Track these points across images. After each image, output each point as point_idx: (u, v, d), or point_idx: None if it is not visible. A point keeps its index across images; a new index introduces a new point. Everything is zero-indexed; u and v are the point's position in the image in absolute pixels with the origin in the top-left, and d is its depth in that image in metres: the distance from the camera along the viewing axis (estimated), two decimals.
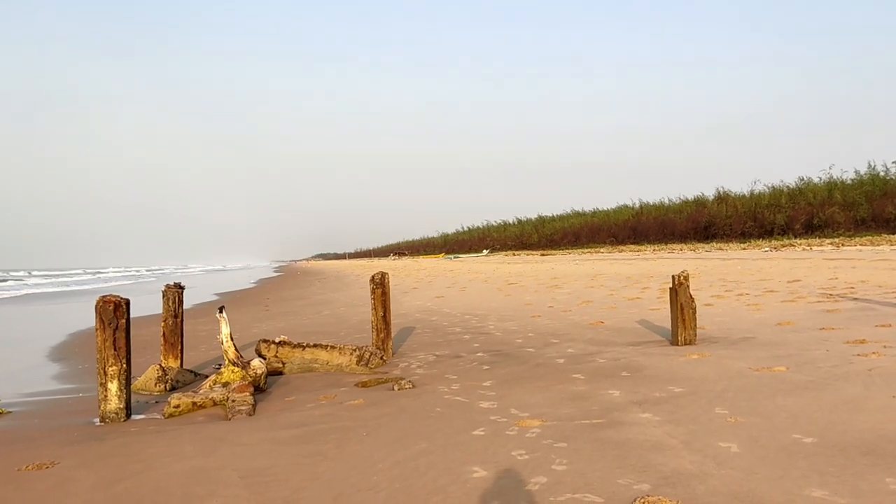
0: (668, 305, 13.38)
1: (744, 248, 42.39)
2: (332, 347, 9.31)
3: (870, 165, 62.53)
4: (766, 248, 39.38)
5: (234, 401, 7.29)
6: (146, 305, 19.51)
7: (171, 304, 9.69)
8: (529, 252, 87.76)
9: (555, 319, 13.07)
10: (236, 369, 8.13)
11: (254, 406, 7.25)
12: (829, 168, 70.24)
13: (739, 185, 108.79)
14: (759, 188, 72.90)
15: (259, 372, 8.20)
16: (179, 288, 9.87)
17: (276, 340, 9.48)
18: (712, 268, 22.52)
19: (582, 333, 10.91)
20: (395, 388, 7.62)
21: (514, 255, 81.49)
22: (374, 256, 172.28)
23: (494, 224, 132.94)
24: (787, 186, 69.34)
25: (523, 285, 22.19)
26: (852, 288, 14.06)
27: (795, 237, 53.87)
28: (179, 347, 9.67)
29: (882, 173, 59.85)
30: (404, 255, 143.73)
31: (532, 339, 10.62)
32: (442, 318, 14.73)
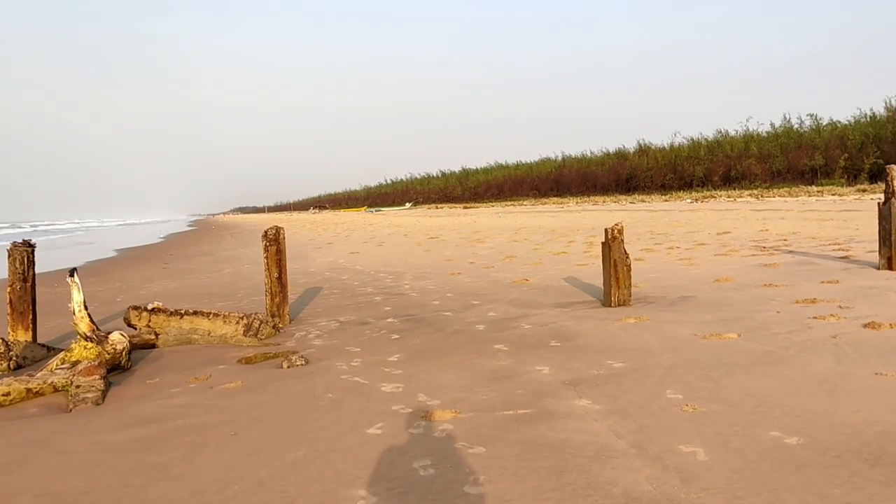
0: (596, 261, 12.51)
1: (666, 200, 42.43)
2: (216, 315, 7.93)
3: (785, 118, 63.83)
4: (689, 200, 39.43)
5: (78, 386, 5.88)
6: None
7: (18, 265, 8.09)
8: (453, 205, 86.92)
9: (476, 277, 11.97)
10: (90, 345, 6.68)
11: (104, 392, 5.87)
12: (746, 121, 71.39)
13: (660, 138, 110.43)
14: (678, 140, 73.73)
15: (119, 348, 6.78)
16: (29, 246, 8.26)
17: (149, 307, 8.03)
18: (639, 220, 21.89)
19: (505, 293, 9.83)
20: (285, 364, 6.36)
21: (437, 208, 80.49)
22: (294, 210, 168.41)
23: (418, 177, 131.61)
24: (706, 139, 70.34)
25: (444, 240, 21.06)
26: (785, 240, 13.47)
27: (715, 189, 54.56)
28: (31, 317, 8.11)
29: (796, 126, 61.12)
30: (325, 208, 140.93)
31: (450, 301, 9.49)
32: (354, 276, 13.45)
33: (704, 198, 39.88)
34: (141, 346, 7.79)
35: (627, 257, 8.29)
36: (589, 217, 26.69)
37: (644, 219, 22.04)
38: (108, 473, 3.86)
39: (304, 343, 7.40)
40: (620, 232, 8.29)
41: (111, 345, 6.76)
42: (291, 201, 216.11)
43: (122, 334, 6.93)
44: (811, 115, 60.25)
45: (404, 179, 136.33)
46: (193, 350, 7.47)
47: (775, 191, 41.03)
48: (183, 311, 8.02)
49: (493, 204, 78.24)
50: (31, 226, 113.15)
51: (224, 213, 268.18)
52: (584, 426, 4.01)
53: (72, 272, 7.12)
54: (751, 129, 66.24)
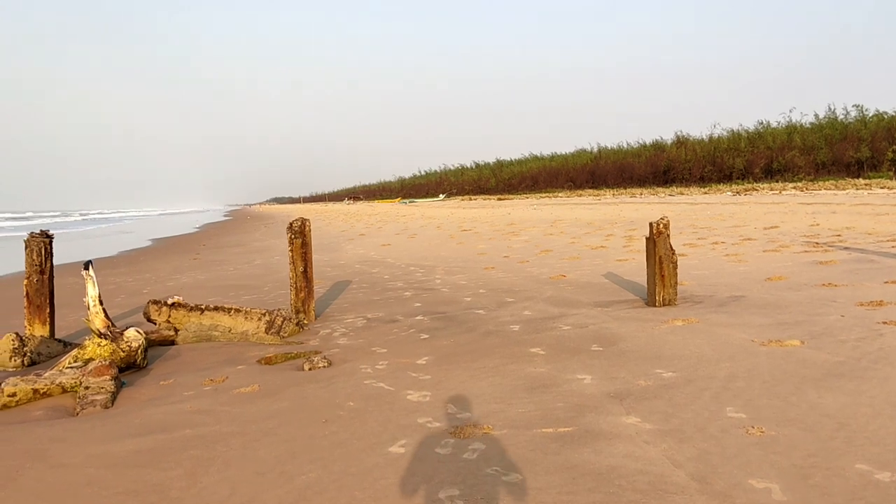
0: (637, 256, 11.95)
1: (706, 193, 41.35)
2: (237, 311, 7.56)
3: (829, 109, 61.94)
4: (729, 193, 38.35)
5: (87, 388, 5.54)
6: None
7: (35, 257, 7.80)
8: (486, 196, 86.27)
9: (510, 272, 11.48)
10: (104, 342, 6.35)
11: (114, 395, 5.52)
12: (789, 112, 69.54)
13: (698, 130, 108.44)
14: (717, 132, 72.15)
15: (135, 346, 6.44)
16: (46, 237, 7.96)
17: (169, 301, 7.69)
18: (680, 213, 21.15)
19: (541, 290, 9.33)
20: (306, 366, 5.96)
21: (470, 199, 79.95)
22: (329, 201, 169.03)
23: (452, 168, 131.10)
24: (746, 130, 68.69)
25: (477, 232, 20.57)
26: (839, 235, 12.73)
27: (756, 181, 53.15)
28: (48, 310, 7.81)
29: (842, 117, 59.29)
30: (360, 199, 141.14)
31: (483, 298, 9.02)
32: (384, 270, 13.04)
33: (746, 190, 38.74)
34: (159, 343, 7.46)
35: (673, 253, 7.74)
36: (627, 210, 25.96)
37: (685, 212, 21.28)
38: (99, 495, 3.47)
39: (328, 342, 7.00)
40: (666, 226, 7.73)
41: (126, 342, 6.42)
42: (327, 192, 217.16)
43: (137, 331, 6.59)
44: (857, 106, 58.41)
45: (438, 171, 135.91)
46: (213, 348, 7.11)
47: (820, 183, 39.71)
48: (203, 307, 7.66)
49: (528, 196, 77.42)
50: (81, 214, 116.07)
51: (260, 204, 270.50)
52: (635, 451, 3.52)
53: (86, 265, 6.79)
54: (793, 121, 64.51)
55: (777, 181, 50.52)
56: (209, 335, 7.50)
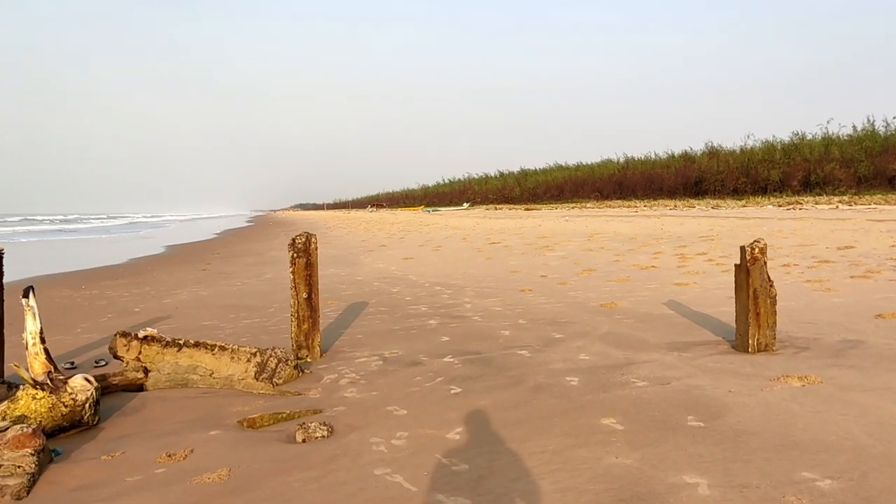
0: (697, 279, 10.31)
1: (744, 206, 39.45)
2: (222, 349, 6.06)
3: (868, 120, 59.60)
4: (770, 206, 36.43)
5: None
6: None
7: None
8: (512, 206, 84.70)
9: (551, 296, 9.89)
10: (41, 394, 4.87)
11: (34, 476, 4.03)
12: (827, 123, 67.00)
13: (729, 141, 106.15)
14: (750, 143, 69.94)
15: (81, 399, 4.95)
16: None
17: (141, 335, 6.20)
18: (732, 228, 19.41)
19: (594, 322, 7.74)
20: (299, 436, 4.44)
21: (495, 208, 78.39)
22: (352, 208, 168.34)
23: (476, 177, 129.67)
24: (781, 142, 66.32)
25: (507, 245, 18.98)
26: None
27: (794, 194, 51.04)
28: None
29: (882, 130, 56.91)
30: (383, 206, 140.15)
31: (524, 331, 7.45)
32: (406, 289, 11.51)
33: (790, 203, 36.80)
34: (124, 388, 5.99)
35: (772, 286, 6.12)
36: (669, 223, 24.23)
37: (738, 227, 19.52)
38: None
39: (332, 393, 5.47)
40: (763, 251, 6.12)
41: (70, 394, 4.93)
42: (350, 199, 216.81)
43: (87, 379, 5.10)
44: None
45: (462, 179, 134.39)
46: (187, 398, 5.61)
47: (868, 197, 37.62)
48: (182, 342, 6.16)
49: (556, 206, 75.65)
50: (122, 217, 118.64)
51: (284, 210, 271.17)
52: None
53: (26, 292, 5.33)
54: (830, 132, 62.10)
55: (818, 194, 48.34)
56: (186, 379, 6.00)
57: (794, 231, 16.68)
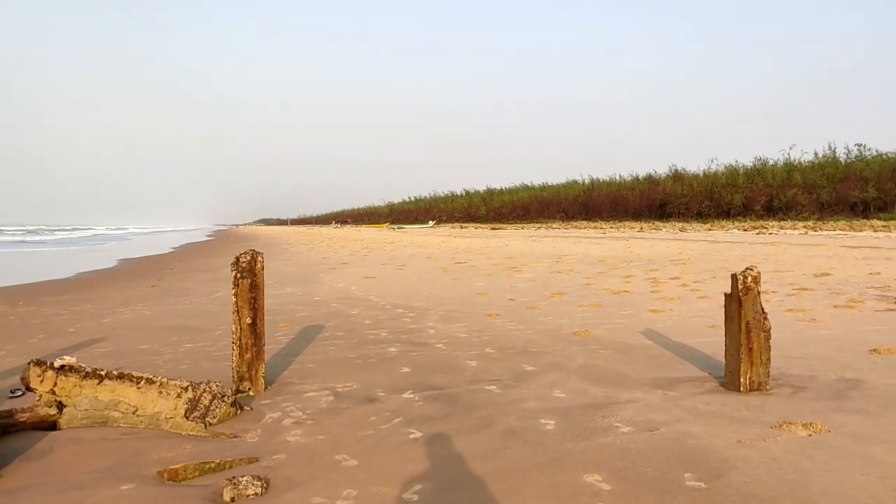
0: (673, 306, 9.73)
1: (709, 229, 39.48)
2: (149, 382, 5.29)
3: (829, 147, 60.59)
4: (736, 230, 36.46)
5: None
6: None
7: None
8: (477, 225, 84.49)
9: (520, 322, 9.27)
10: None
11: None
12: (789, 149, 68.02)
13: (692, 164, 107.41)
14: (714, 167, 70.78)
15: None
16: None
17: (57, 364, 5.41)
18: (703, 252, 19.04)
19: (568, 353, 7.13)
20: (227, 492, 3.73)
21: (461, 227, 78.03)
22: (317, 224, 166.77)
23: (442, 195, 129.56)
24: (744, 167, 67.25)
25: (474, 265, 18.37)
26: None
27: (758, 219, 51.43)
28: None
29: (843, 157, 57.85)
30: (347, 223, 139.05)
31: (492, 362, 6.80)
32: (366, 311, 10.80)
33: (755, 228, 36.87)
34: (34, 426, 5.19)
35: (766, 318, 5.57)
36: (638, 246, 23.85)
37: (709, 251, 19.17)
38: None
39: (274, 436, 4.76)
40: (756, 280, 5.56)
41: None
42: (315, 215, 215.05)
43: None
44: (859, 146, 56.99)
45: (427, 197, 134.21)
46: (105, 440, 4.84)
47: (832, 223, 37.92)
48: (104, 374, 5.38)
49: (522, 225, 75.53)
50: (87, 230, 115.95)
51: (247, 224, 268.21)
52: None
53: None
54: (792, 158, 63.04)
55: (781, 219, 48.77)
56: (106, 416, 5.22)
57: (768, 256, 16.34)
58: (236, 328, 6.07)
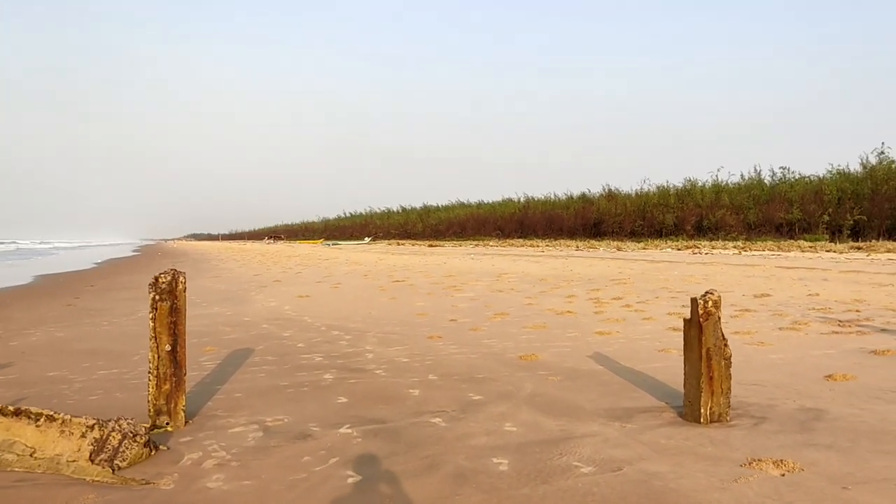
0: (619, 328, 9.40)
1: (643, 248, 39.99)
2: (51, 419, 4.65)
3: (755, 170, 62.54)
4: (669, 249, 37.00)
5: None
6: None
7: None
8: (414, 242, 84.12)
9: (463, 344, 8.86)
10: None
11: None
12: (717, 171, 70.05)
13: (625, 184, 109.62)
14: (646, 188, 72.24)
15: None
16: None
17: None
18: (642, 271, 19.01)
19: (516, 380, 6.74)
20: None
21: (398, 244, 77.50)
22: (249, 239, 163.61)
23: (378, 211, 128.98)
24: (675, 187, 68.77)
25: (412, 284, 17.90)
26: (857, 311, 10.66)
27: (689, 238, 52.53)
28: None
29: (768, 179, 59.71)
30: (281, 238, 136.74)
31: (436, 391, 6.35)
32: (299, 333, 10.22)
33: (689, 247, 37.50)
34: None
35: (726, 345, 5.28)
36: (577, 265, 23.79)
37: (648, 270, 19.16)
38: None
39: (192, 482, 4.19)
40: (717, 305, 5.27)
41: None
42: (247, 230, 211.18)
43: None
44: (783, 168, 58.97)
45: (364, 213, 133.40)
46: None
47: (760, 243, 38.92)
48: (1, 409, 4.72)
49: (459, 242, 75.45)
50: (11, 243, 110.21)
51: (177, 239, 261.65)
52: None
53: None
54: (720, 179, 64.82)
55: (711, 238, 49.92)
56: None
57: (707, 276, 16.38)
58: (154, 356, 5.46)
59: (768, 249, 32.55)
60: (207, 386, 6.85)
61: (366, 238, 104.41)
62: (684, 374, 5.40)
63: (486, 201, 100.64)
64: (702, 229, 56.53)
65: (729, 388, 5.24)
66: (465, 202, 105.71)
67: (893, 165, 46.75)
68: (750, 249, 33.50)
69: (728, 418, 5.20)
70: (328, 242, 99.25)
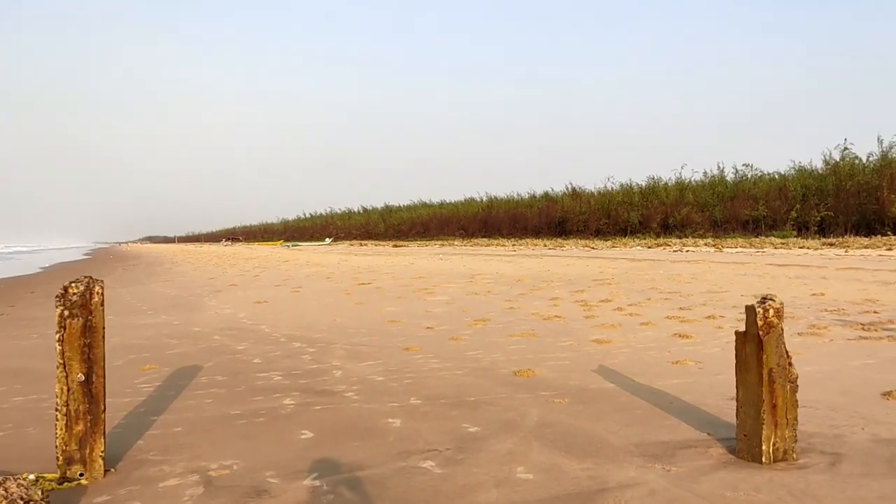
0: (615, 335, 8.33)
1: (612, 246, 39.31)
2: None
3: (718, 167, 62.52)
4: (639, 247, 36.35)
5: None
6: None
7: None
8: (377, 242, 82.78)
9: (446, 357, 7.72)
10: None
11: None
12: (681, 168, 69.88)
13: (589, 182, 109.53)
14: (610, 186, 71.85)
15: None
16: None
17: None
18: (625, 270, 18.07)
19: (515, 402, 5.63)
20: None
21: (360, 244, 76.08)
22: (206, 241, 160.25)
23: (339, 212, 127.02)
24: (639, 185, 68.47)
25: (380, 287, 16.69)
26: (875, 312, 9.79)
27: (655, 236, 52.13)
28: None
29: (731, 177, 59.66)
30: (239, 240, 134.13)
31: (422, 420, 5.21)
32: (256, 345, 8.98)
33: (658, 245, 36.92)
34: None
35: (791, 364, 4.23)
36: (553, 264, 22.80)
37: (630, 269, 18.24)
38: None
39: None
40: (779, 315, 4.22)
41: None
42: (204, 232, 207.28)
43: None
44: (747, 165, 58.97)
45: (324, 214, 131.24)
46: None
47: (731, 241, 38.52)
48: None
49: (424, 243, 74.28)
50: None
51: (131, 242, 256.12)
52: None
53: None
54: (684, 177, 64.67)
55: (678, 236, 49.59)
56: None
57: (696, 276, 15.48)
58: (62, 389, 4.23)
59: (740, 246, 32.07)
60: (141, 417, 5.61)
61: (327, 239, 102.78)
62: (737, 399, 4.34)
63: (448, 201, 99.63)
64: (668, 227, 56.20)
65: (795, 419, 4.20)
66: (428, 202, 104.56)
67: (857, 162, 46.86)
68: (722, 247, 32.98)
69: (795, 456, 4.16)
70: (288, 244, 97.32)
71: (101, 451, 4.30)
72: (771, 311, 4.17)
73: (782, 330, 4.21)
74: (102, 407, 4.34)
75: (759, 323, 4.15)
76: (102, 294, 4.49)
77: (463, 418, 5.24)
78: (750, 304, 4.26)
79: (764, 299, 4.25)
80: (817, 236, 41.41)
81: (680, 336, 8.42)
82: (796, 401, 4.20)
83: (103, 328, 4.48)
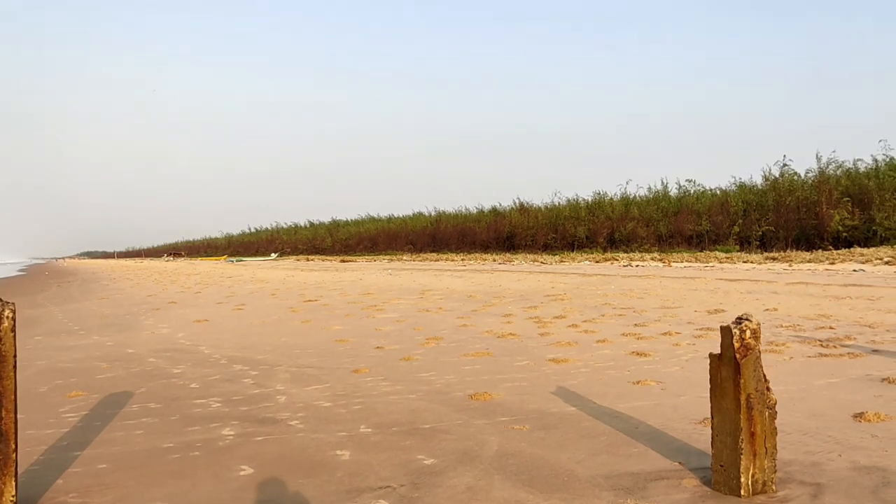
0: (572, 353, 8.05)
1: (560, 261, 39.42)
2: None
3: (662, 182, 63.59)
4: (587, 262, 36.50)
5: None
6: None
7: None
8: (324, 257, 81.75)
9: (397, 380, 7.33)
10: None
11: None
12: (626, 183, 70.95)
13: (536, 197, 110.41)
14: (557, 200, 72.43)
15: None
16: None
17: None
18: (577, 285, 17.89)
19: (472, 430, 5.27)
20: None
21: (307, 259, 75.01)
22: (147, 257, 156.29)
23: (284, 226, 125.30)
24: (585, 200, 69.15)
25: (327, 304, 16.18)
26: (830, 328, 9.74)
27: (602, 250, 52.57)
28: None
29: (674, 192, 60.70)
30: (181, 255, 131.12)
31: (373, 452, 4.81)
32: (194, 368, 8.44)
33: (606, 259, 37.10)
34: None
35: (769, 389, 3.98)
36: (504, 280, 22.55)
37: (582, 284, 18.08)
38: None
39: None
40: (757, 336, 3.97)
41: None
42: (145, 247, 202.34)
43: None
44: (690, 181, 60.08)
45: (270, 228, 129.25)
46: None
47: (677, 255, 39.00)
48: None
49: (374, 257, 73.62)
50: None
51: (69, 257, 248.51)
52: None
53: None
54: (629, 192, 65.59)
55: (625, 251, 50.08)
56: None
57: (647, 291, 15.38)
58: None
59: (687, 261, 32.44)
60: (62, 452, 5.08)
61: (272, 254, 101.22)
62: (712, 427, 4.07)
63: (396, 215, 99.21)
64: (614, 241, 56.78)
65: (774, 447, 3.94)
66: (376, 216, 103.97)
67: (796, 178, 48.10)
68: (669, 261, 33.31)
69: (774, 487, 3.90)
70: (232, 259, 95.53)
71: (12, 496, 3.80)
72: (748, 333, 3.92)
73: (760, 352, 3.96)
74: (13, 446, 3.84)
75: (736, 345, 3.89)
76: (13, 318, 3.99)
77: (417, 448, 4.86)
78: (725, 324, 3.99)
79: (739, 319, 4.00)
80: (759, 251, 42.24)
81: (638, 354, 8.19)
82: (775, 428, 3.95)
83: (14, 356, 3.98)
